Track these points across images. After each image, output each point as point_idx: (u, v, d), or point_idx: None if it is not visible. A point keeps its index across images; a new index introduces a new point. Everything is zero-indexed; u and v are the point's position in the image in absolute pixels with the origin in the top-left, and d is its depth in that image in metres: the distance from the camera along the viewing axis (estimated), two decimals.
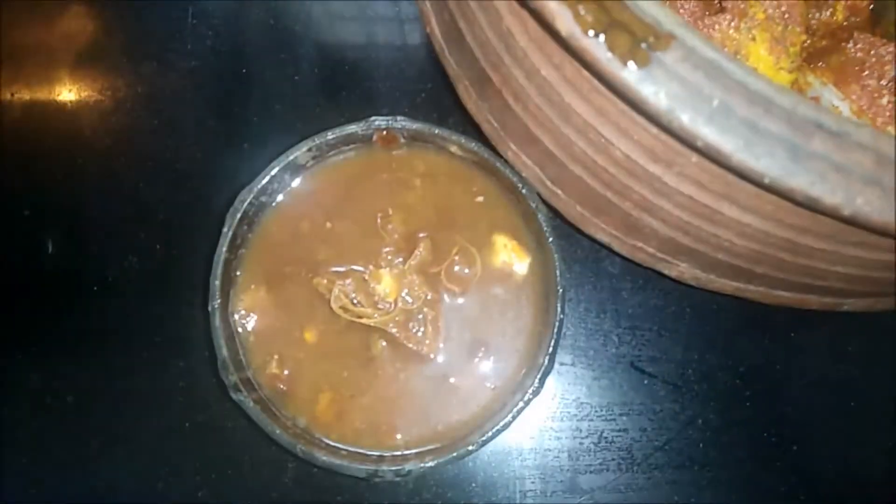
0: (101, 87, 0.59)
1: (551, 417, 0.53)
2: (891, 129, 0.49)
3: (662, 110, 0.29)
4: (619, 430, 0.53)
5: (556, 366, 0.53)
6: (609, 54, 0.29)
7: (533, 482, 0.52)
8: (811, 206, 0.29)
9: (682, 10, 0.46)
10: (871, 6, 0.54)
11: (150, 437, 0.51)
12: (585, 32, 0.29)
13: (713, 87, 0.29)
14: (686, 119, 0.29)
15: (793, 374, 0.53)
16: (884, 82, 0.49)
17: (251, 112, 0.56)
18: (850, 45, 0.50)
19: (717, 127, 0.29)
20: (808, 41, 0.50)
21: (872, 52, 0.50)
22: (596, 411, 0.53)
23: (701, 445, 0.53)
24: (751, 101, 0.29)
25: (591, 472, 0.52)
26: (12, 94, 0.59)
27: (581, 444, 0.52)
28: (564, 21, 0.29)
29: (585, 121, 0.38)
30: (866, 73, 0.50)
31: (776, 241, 0.38)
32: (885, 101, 0.49)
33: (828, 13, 0.49)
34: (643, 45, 0.29)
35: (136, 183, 0.56)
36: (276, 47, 0.58)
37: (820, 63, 0.51)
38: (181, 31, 0.59)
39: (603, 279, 0.55)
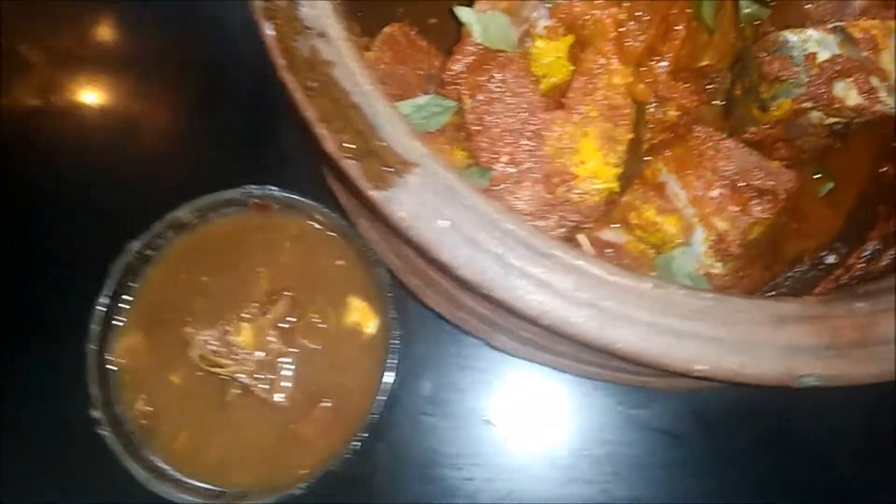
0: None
1: (405, 463, 0.58)
2: (717, 220, 0.54)
3: (403, 227, 0.34)
4: (466, 479, 0.57)
5: (418, 415, 0.58)
6: (362, 176, 0.34)
7: None
8: (519, 315, 0.34)
9: (523, 104, 0.51)
10: (724, 102, 0.59)
11: (27, 463, 0.57)
12: (344, 156, 0.35)
13: (447, 208, 0.34)
14: (420, 236, 0.34)
15: (625, 441, 0.58)
16: (717, 175, 0.54)
17: (157, 170, 0.63)
18: (693, 137, 0.55)
19: (447, 244, 0.34)
20: (650, 134, 0.55)
21: (711, 146, 0.54)
22: (447, 459, 0.58)
23: (542, 498, 0.57)
24: (478, 223, 0.34)
25: None
26: None
27: (427, 488, 0.57)
28: (329, 145, 0.35)
29: None
30: (704, 164, 0.54)
31: None
32: (715, 192, 0.54)
33: (661, 111, 0.53)
34: (391, 170, 0.34)
35: (52, 225, 0.62)
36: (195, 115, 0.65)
37: (668, 151, 0.56)
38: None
39: (467, 337, 0.59)
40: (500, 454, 0.58)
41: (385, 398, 0.49)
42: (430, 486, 0.57)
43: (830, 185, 0.58)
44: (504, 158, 0.51)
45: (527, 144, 0.51)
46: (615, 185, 0.51)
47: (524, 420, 0.59)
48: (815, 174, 0.58)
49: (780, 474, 0.57)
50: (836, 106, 0.52)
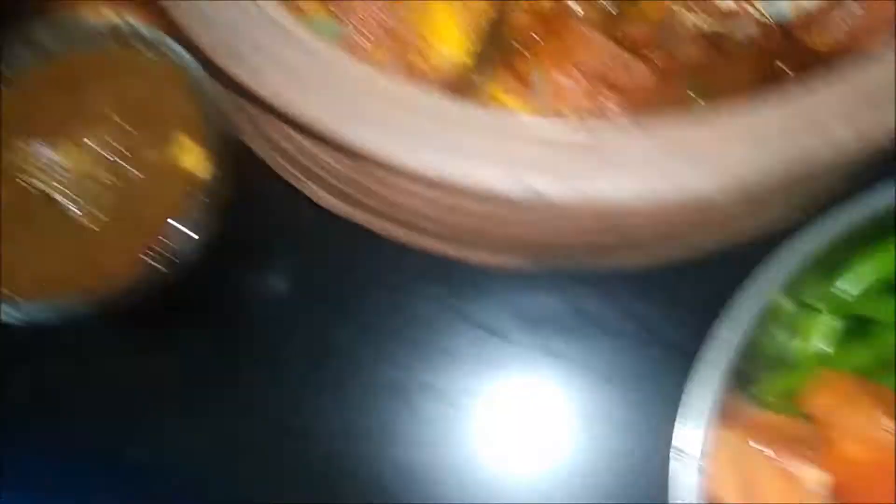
0: None
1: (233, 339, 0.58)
2: (565, 111, 0.52)
3: (168, 10, 0.33)
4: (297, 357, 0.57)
5: (258, 285, 0.58)
6: None
7: None
8: (285, 116, 0.33)
9: None
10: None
11: None
12: None
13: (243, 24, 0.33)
14: (181, 19, 0.33)
15: (451, 332, 0.58)
16: (577, 66, 0.53)
17: None
18: (567, 31, 0.54)
19: (204, 27, 0.33)
20: (521, 19, 0.53)
21: (580, 39, 0.53)
22: (283, 339, 0.58)
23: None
24: (273, 35, 0.33)
25: None
26: None
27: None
28: None
29: None
30: (568, 56, 0.53)
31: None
32: (570, 83, 0.52)
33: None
34: None
35: None
36: None
37: (540, 42, 0.54)
38: None
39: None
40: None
41: (194, 244, 0.49)
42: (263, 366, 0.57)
43: (702, 102, 0.56)
44: (358, 19, 0.49)
45: (383, 7, 0.50)
46: (468, 59, 0.50)
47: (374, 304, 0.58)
48: (690, 88, 0.56)
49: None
50: (709, 9, 0.50)
